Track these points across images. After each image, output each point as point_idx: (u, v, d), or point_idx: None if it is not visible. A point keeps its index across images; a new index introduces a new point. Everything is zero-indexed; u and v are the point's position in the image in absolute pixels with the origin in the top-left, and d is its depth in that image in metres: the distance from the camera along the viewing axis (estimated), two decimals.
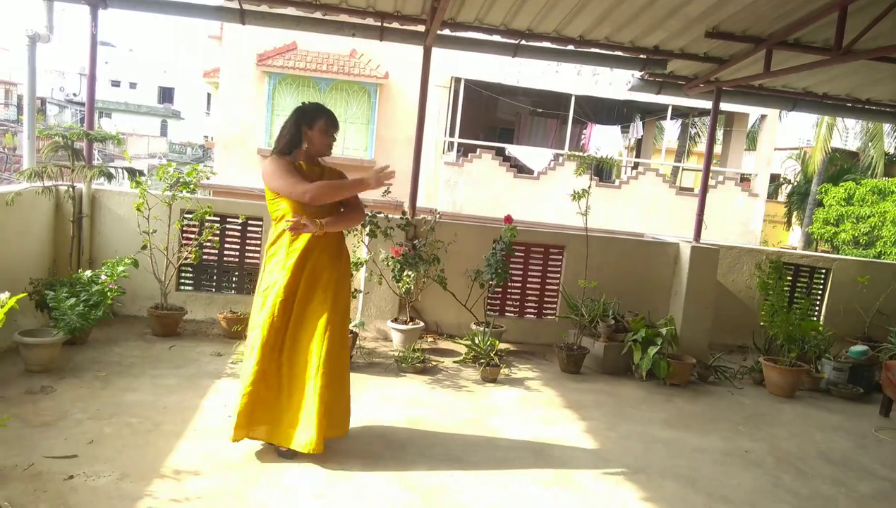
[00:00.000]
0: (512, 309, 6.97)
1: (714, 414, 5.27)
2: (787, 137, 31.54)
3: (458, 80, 16.47)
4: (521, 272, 6.90)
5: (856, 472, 4.39)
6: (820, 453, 4.65)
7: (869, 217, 18.41)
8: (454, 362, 5.79)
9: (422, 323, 6.23)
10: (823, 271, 7.80)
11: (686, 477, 4.00)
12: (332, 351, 3.59)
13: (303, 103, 3.81)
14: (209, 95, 43.88)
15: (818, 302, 7.79)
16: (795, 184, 26.59)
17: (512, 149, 17.38)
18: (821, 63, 5.57)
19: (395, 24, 6.35)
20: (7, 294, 2.56)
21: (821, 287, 7.82)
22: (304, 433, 3.52)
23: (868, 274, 7.31)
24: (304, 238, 3.59)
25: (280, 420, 3.60)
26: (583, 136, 18.12)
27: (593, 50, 6.64)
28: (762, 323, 6.45)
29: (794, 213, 26.02)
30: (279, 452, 3.64)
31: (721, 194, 16.70)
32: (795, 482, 4.12)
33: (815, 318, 7.50)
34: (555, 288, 6.95)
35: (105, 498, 3.03)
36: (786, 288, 6.97)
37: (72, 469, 3.25)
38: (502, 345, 6.15)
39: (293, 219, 3.51)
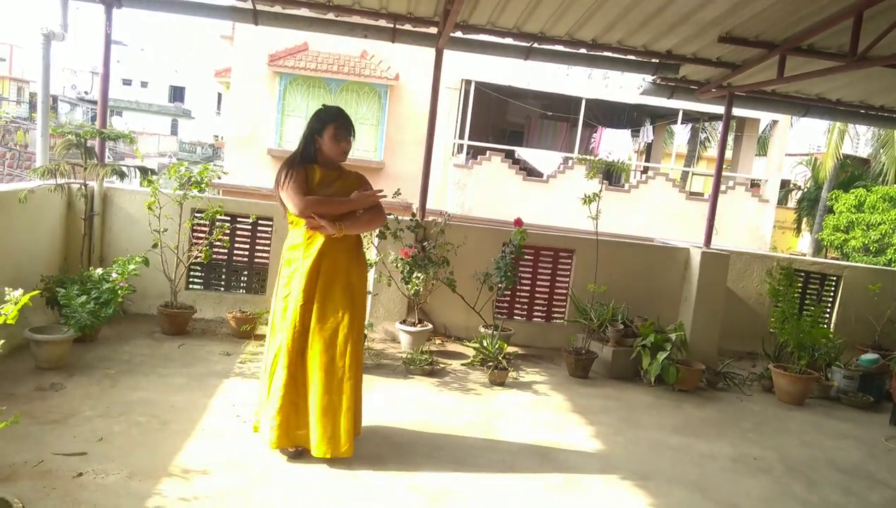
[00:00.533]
0: (520, 312, 6.96)
1: (723, 421, 5.24)
2: (798, 143, 31.44)
3: (468, 82, 16.47)
4: (529, 275, 6.89)
5: (866, 481, 4.36)
6: (829, 461, 4.61)
7: (879, 224, 18.29)
8: (462, 365, 5.78)
9: (430, 326, 6.23)
10: (834, 278, 7.76)
11: (694, 484, 3.98)
12: (355, 354, 3.61)
13: (322, 106, 3.80)
14: (220, 95, 44.08)
15: (829, 310, 7.74)
16: (806, 190, 26.46)
17: (521, 152, 17.36)
18: (835, 69, 5.54)
19: (408, 26, 6.35)
20: (20, 291, 2.57)
21: (831, 294, 7.77)
22: (334, 438, 3.53)
23: (879, 282, 7.26)
24: (320, 241, 3.59)
25: (308, 424, 3.61)
26: (592, 140, 18.09)
27: (605, 54, 6.62)
28: (772, 330, 6.42)
29: (804, 219, 25.89)
30: (288, 453, 3.64)
31: (731, 199, 16.64)
32: (805, 490, 4.09)
33: (825, 326, 7.44)
34: (564, 291, 6.94)
35: (113, 496, 3.04)
36: (796, 295, 6.93)
37: (81, 466, 3.26)
38: (510, 349, 6.14)
39: (311, 221, 3.53)
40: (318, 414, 3.55)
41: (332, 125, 3.65)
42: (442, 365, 5.66)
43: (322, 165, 3.69)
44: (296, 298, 3.57)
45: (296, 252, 3.65)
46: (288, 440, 3.59)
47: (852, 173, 23.79)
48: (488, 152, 16.53)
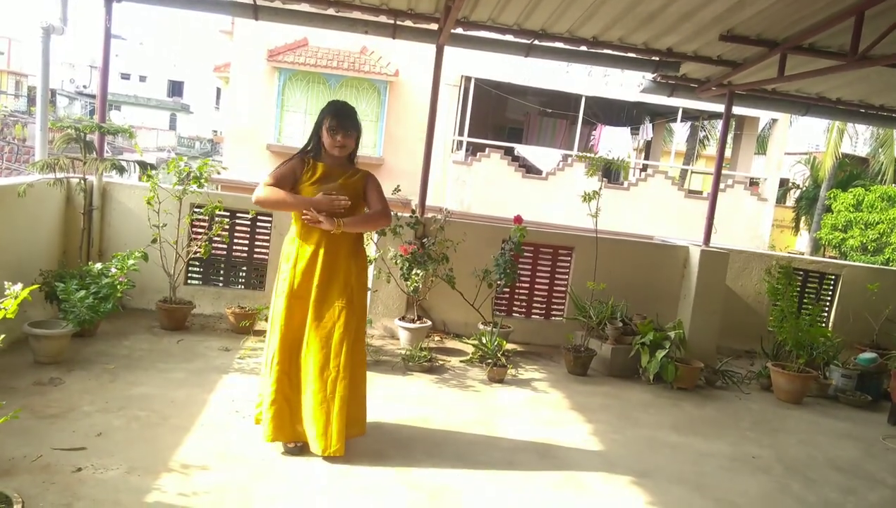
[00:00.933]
0: (519, 309, 6.96)
1: (721, 419, 5.25)
2: (797, 142, 31.45)
3: (468, 79, 16.45)
4: (529, 272, 6.89)
5: (864, 480, 4.37)
6: (828, 460, 4.62)
7: (877, 223, 18.33)
8: (461, 361, 5.78)
9: (429, 322, 6.23)
10: (833, 277, 7.77)
11: (693, 482, 3.99)
12: (350, 352, 3.59)
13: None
14: (218, 90, 44.03)
15: (827, 309, 7.75)
16: (804, 188, 26.48)
17: (521, 149, 17.35)
18: (836, 68, 5.54)
19: (409, 23, 6.34)
20: (20, 285, 2.57)
21: (830, 293, 7.78)
22: (325, 436, 3.53)
23: (878, 282, 7.27)
24: (318, 237, 3.58)
25: (303, 420, 3.61)
26: (592, 137, 18.09)
27: (606, 51, 6.61)
28: (771, 329, 6.42)
29: (803, 218, 25.92)
30: (286, 448, 3.64)
31: (730, 198, 16.64)
32: (803, 489, 4.10)
33: (823, 325, 7.45)
34: (563, 289, 6.94)
35: (113, 491, 3.04)
36: (795, 294, 6.93)
37: (80, 461, 3.26)
38: (509, 346, 6.14)
39: (309, 214, 3.51)
40: (311, 412, 3.56)
41: (327, 118, 3.63)
42: (441, 362, 5.66)
43: (327, 160, 3.68)
44: (288, 293, 3.58)
45: (293, 247, 3.65)
46: (283, 434, 3.60)
47: (851, 172, 23.82)
48: (488, 149, 16.52)
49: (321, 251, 3.58)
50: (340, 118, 3.63)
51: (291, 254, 3.64)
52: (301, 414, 3.61)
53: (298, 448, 3.63)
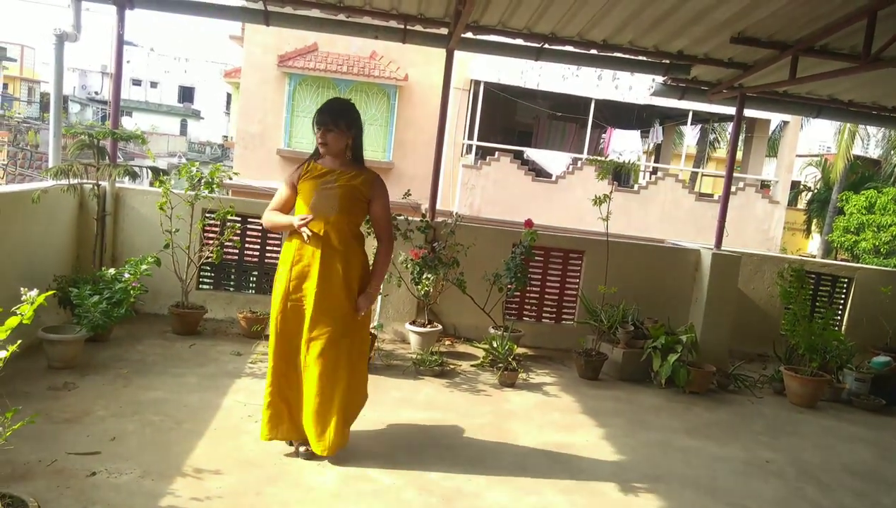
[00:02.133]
0: (530, 313, 6.95)
1: (734, 423, 5.22)
2: (808, 144, 31.28)
3: (477, 83, 16.45)
4: (539, 276, 6.88)
5: (878, 485, 4.34)
6: (842, 464, 4.59)
7: (890, 226, 18.18)
8: (472, 365, 5.78)
9: (440, 326, 6.23)
10: (846, 280, 7.72)
11: (706, 487, 3.97)
12: (349, 357, 3.59)
13: None
14: (229, 95, 44.15)
15: (840, 312, 7.70)
16: (816, 191, 26.31)
17: (530, 153, 17.32)
18: (848, 70, 5.51)
19: (418, 27, 6.36)
20: (36, 291, 2.58)
21: (843, 296, 7.73)
22: (322, 438, 3.54)
23: (891, 284, 7.21)
24: (313, 240, 3.54)
25: (301, 420, 3.62)
26: (602, 141, 18.05)
27: (616, 54, 6.60)
28: (783, 332, 6.38)
29: (814, 221, 25.75)
30: (299, 452, 3.65)
31: (741, 201, 16.53)
32: (817, 493, 4.07)
33: (836, 328, 7.40)
34: (573, 293, 6.92)
35: (127, 495, 3.06)
36: (807, 297, 6.90)
37: (94, 465, 3.28)
38: (520, 350, 6.14)
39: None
40: (308, 415, 3.56)
41: (315, 117, 3.62)
42: (452, 366, 5.66)
43: (327, 162, 3.65)
44: (286, 296, 3.57)
45: (290, 249, 3.62)
46: (278, 433, 3.63)
47: (863, 174, 23.65)
48: (497, 153, 16.49)
49: (318, 253, 3.54)
50: (321, 114, 3.59)
51: (288, 255, 3.61)
52: (301, 414, 3.62)
53: (308, 452, 3.64)
